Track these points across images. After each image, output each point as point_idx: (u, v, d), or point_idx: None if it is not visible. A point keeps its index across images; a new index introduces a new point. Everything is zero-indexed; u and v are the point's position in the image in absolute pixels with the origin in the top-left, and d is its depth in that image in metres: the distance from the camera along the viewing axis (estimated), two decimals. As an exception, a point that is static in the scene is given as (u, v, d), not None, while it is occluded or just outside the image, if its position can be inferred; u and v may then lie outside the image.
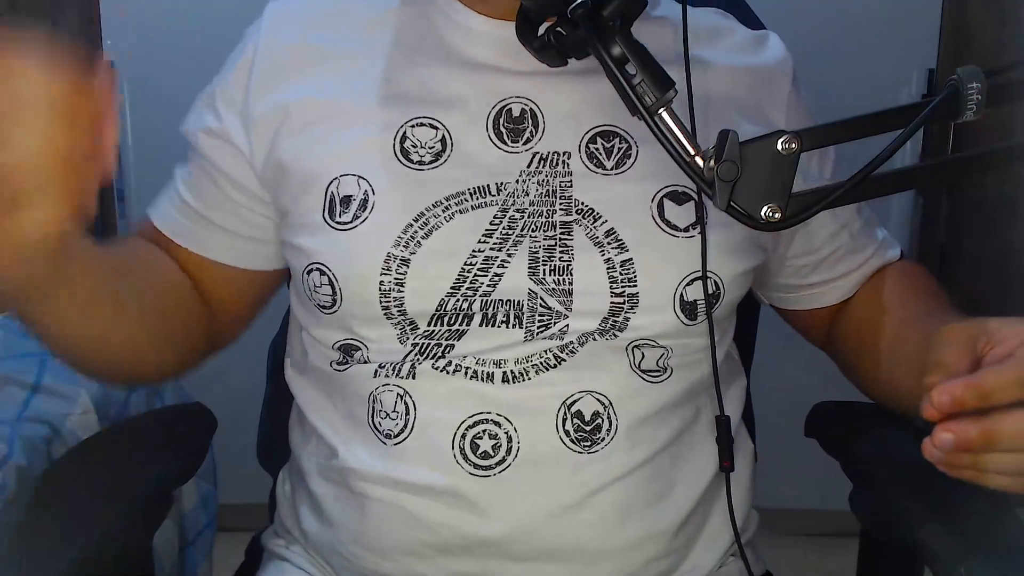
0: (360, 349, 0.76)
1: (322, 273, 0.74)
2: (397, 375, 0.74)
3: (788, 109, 0.82)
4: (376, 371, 0.75)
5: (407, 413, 0.74)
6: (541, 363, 0.72)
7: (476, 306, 0.72)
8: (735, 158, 0.59)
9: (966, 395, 0.54)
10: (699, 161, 0.60)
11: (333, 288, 0.74)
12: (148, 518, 0.77)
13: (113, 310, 0.71)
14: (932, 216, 1.98)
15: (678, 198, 0.74)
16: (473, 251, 0.72)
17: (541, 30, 0.71)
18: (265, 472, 0.99)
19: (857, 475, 0.85)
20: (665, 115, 0.60)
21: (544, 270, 0.72)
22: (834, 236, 0.84)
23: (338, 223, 0.74)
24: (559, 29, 0.68)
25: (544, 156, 0.75)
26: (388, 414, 0.74)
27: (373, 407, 0.75)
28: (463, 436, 0.72)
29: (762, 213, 0.59)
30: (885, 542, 0.84)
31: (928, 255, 1.94)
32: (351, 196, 0.74)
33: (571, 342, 0.72)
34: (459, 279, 0.72)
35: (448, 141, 0.75)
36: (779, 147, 0.59)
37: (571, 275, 0.72)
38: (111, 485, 0.72)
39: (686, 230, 0.73)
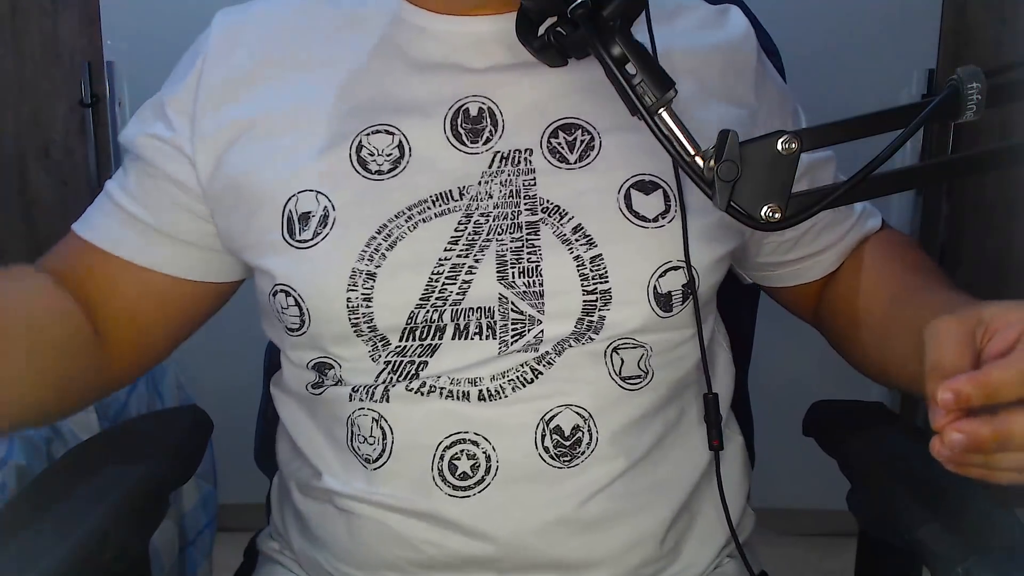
0: (333, 367, 0.74)
1: (287, 294, 0.72)
2: (371, 399, 0.72)
3: (756, 84, 0.80)
4: (351, 395, 0.73)
5: (384, 437, 0.72)
6: (517, 378, 0.71)
7: (447, 316, 0.70)
8: (735, 158, 0.59)
9: (972, 393, 0.52)
10: (699, 161, 0.60)
11: (300, 309, 0.72)
12: (144, 520, 0.77)
13: None
14: (932, 216, 1.98)
15: (645, 187, 0.73)
16: (440, 259, 0.70)
17: (541, 30, 0.71)
18: (263, 473, 0.99)
19: (855, 474, 0.84)
20: (665, 115, 0.60)
21: (513, 272, 0.71)
22: None
23: (299, 242, 0.72)
24: (559, 29, 0.68)
25: (505, 155, 0.73)
26: (366, 439, 0.73)
27: (351, 431, 0.74)
28: (441, 457, 0.71)
29: (762, 213, 0.59)
30: (883, 542, 0.84)
31: (928, 255, 1.94)
32: (310, 212, 0.72)
33: (547, 352, 0.71)
34: (427, 289, 0.70)
35: (406, 147, 0.73)
36: (779, 147, 0.59)
37: (540, 275, 0.70)
38: (106, 487, 0.72)
39: (655, 220, 0.72)
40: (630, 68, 0.61)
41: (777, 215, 0.59)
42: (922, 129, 0.59)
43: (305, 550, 0.80)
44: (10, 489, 1.07)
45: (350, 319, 0.70)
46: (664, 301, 0.72)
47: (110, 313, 0.78)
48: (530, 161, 0.73)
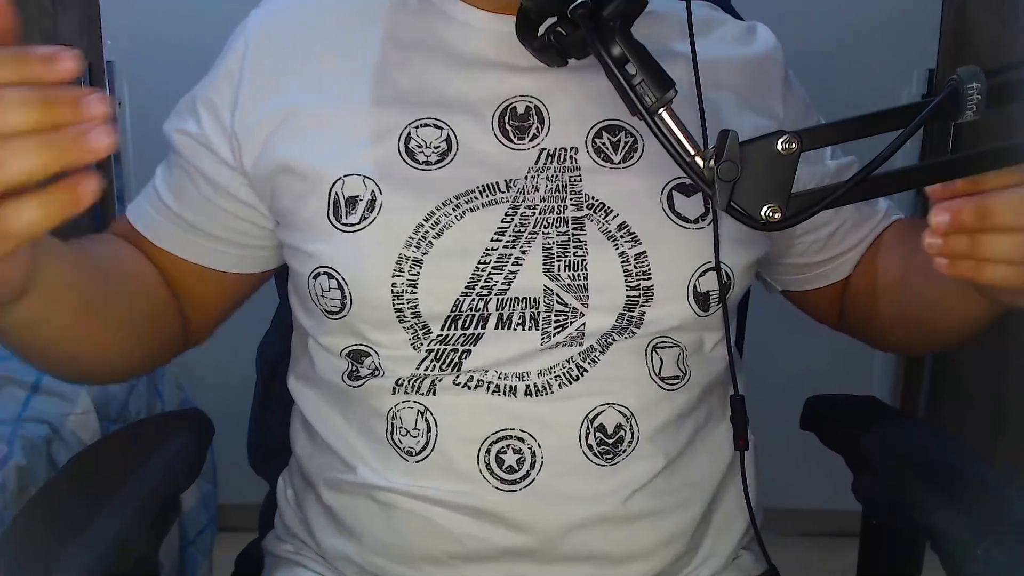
0: (370, 355, 0.74)
1: (330, 277, 0.73)
2: (417, 391, 0.73)
3: (784, 96, 0.82)
4: (395, 388, 0.73)
5: (429, 430, 0.73)
6: (564, 374, 0.72)
7: (492, 306, 0.71)
8: (735, 158, 0.59)
9: (965, 212, 0.55)
10: (699, 161, 0.60)
11: (342, 292, 0.72)
12: (160, 526, 0.77)
13: (80, 313, 0.69)
14: (932, 216, 1.98)
15: (686, 190, 0.74)
16: (487, 249, 0.71)
17: (541, 30, 0.71)
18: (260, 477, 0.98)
19: (861, 465, 0.85)
20: (665, 115, 0.60)
21: (559, 266, 0.72)
22: (838, 210, 0.84)
23: (345, 225, 0.72)
24: (559, 29, 0.68)
25: (551, 152, 0.74)
26: (409, 431, 0.73)
27: (392, 424, 0.74)
28: (487, 451, 0.72)
29: (762, 213, 0.59)
30: (885, 541, 0.84)
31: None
32: (357, 197, 0.72)
33: (592, 347, 0.72)
34: (473, 278, 0.71)
35: (453, 141, 0.74)
36: (779, 147, 0.59)
37: (586, 270, 0.71)
38: (123, 495, 0.71)
39: (696, 221, 0.74)
40: (630, 68, 0.61)
41: (777, 215, 0.59)
42: (922, 129, 0.59)
43: (336, 546, 0.79)
44: (10, 489, 1.07)
45: (394, 304, 0.71)
46: (703, 300, 0.73)
47: (174, 284, 0.82)
48: (575, 159, 0.74)
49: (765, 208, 0.59)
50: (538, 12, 0.69)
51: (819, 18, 1.85)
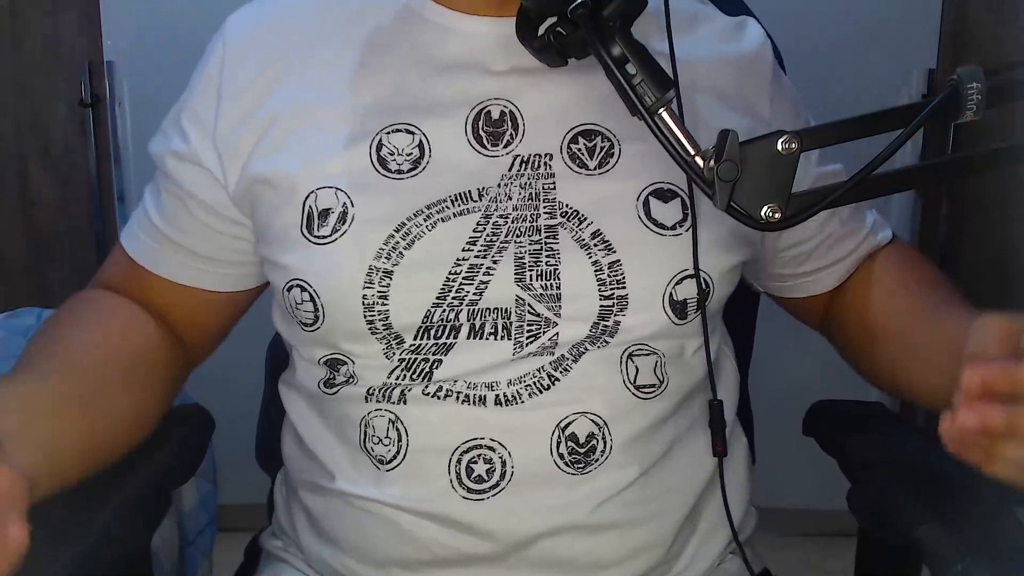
0: (346, 363, 0.74)
1: (303, 289, 0.72)
2: (388, 400, 0.73)
3: (772, 96, 0.81)
4: (367, 396, 0.73)
5: (399, 439, 0.72)
6: (534, 383, 0.71)
7: (463, 316, 0.70)
8: (735, 158, 0.59)
9: (997, 380, 0.52)
10: (699, 161, 0.60)
11: (315, 304, 0.72)
12: (146, 518, 0.77)
13: (84, 435, 0.68)
14: (932, 216, 1.98)
15: (663, 195, 0.73)
16: (458, 259, 0.70)
17: (541, 30, 0.70)
18: (264, 472, 0.99)
19: (854, 474, 0.85)
20: (665, 115, 0.60)
21: (531, 275, 0.71)
22: (824, 224, 0.83)
23: (317, 237, 0.72)
24: (559, 29, 0.68)
25: (525, 159, 0.73)
26: (381, 439, 0.73)
27: (365, 432, 0.74)
28: (458, 461, 0.71)
29: (762, 213, 0.59)
30: (883, 542, 0.84)
31: (928, 255, 1.94)
32: (329, 209, 0.72)
33: (564, 356, 0.71)
34: (444, 289, 0.70)
35: (426, 147, 0.73)
36: (779, 147, 0.59)
37: (558, 279, 0.71)
38: (108, 485, 0.71)
39: (673, 228, 0.73)
40: (630, 68, 0.61)
41: (777, 215, 0.59)
42: (922, 129, 0.59)
43: (313, 546, 0.80)
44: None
45: (365, 316, 0.70)
46: (680, 308, 0.72)
47: (175, 318, 0.82)
48: (550, 166, 0.73)
49: (765, 208, 0.59)
50: (538, 12, 0.69)
51: (819, 18, 1.84)
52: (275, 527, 0.89)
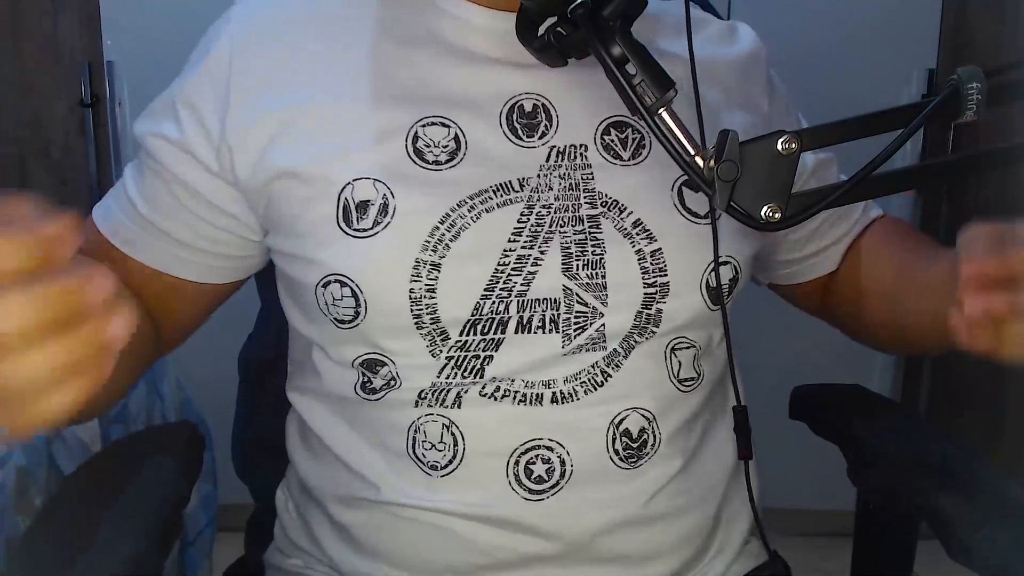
0: (386, 364, 0.72)
1: (343, 285, 0.70)
2: (441, 404, 0.71)
3: (769, 94, 0.84)
4: (417, 400, 0.72)
5: (455, 444, 0.71)
6: (590, 380, 0.71)
7: (512, 308, 0.70)
8: (735, 158, 0.59)
9: (994, 269, 0.56)
10: (699, 161, 0.60)
11: (356, 300, 0.70)
12: (167, 543, 0.75)
13: None
14: (932, 216, 1.98)
15: (694, 185, 0.74)
16: (505, 250, 0.70)
17: (541, 30, 0.70)
18: (241, 482, 0.98)
19: (858, 452, 0.85)
20: (665, 115, 0.60)
21: (577, 265, 0.71)
22: None
23: (356, 231, 0.69)
24: (559, 29, 0.68)
25: (561, 149, 0.73)
26: (434, 445, 0.72)
27: (415, 438, 0.72)
28: (516, 463, 0.71)
29: (762, 213, 0.59)
30: (880, 540, 0.85)
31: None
32: (368, 201, 0.69)
33: (616, 351, 0.72)
34: (492, 280, 0.69)
35: (462, 139, 0.72)
36: (779, 147, 0.59)
37: (604, 268, 0.71)
38: (130, 513, 0.70)
39: (705, 216, 0.74)
40: (630, 68, 0.61)
41: (777, 215, 0.59)
42: (922, 129, 0.60)
43: (351, 562, 0.77)
44: (10, 489, 1.07)
45: (412, 310, 0.69)
46: (714, 295, 0.74)
47: (144, 304, 0.77)
48: (585, 156, 0.73)
49: (765, 208, 0.59)
50: (538, 12, 0.68)
51: (819, 18, 1.85)
52: (283, 544, 0.85)
